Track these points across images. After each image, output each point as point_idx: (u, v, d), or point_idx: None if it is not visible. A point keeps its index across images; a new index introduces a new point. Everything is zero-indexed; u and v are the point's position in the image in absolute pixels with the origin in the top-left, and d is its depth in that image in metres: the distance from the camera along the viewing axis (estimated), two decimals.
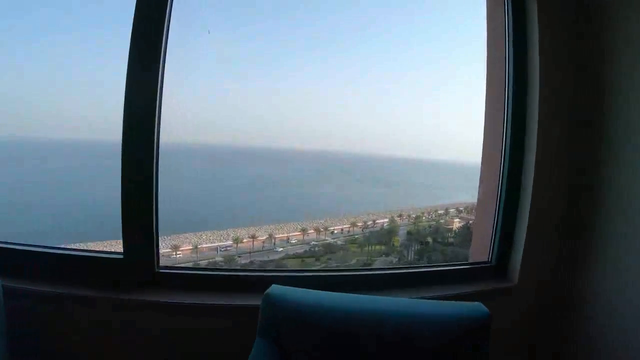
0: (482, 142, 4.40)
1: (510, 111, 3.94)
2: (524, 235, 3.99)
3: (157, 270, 3.28)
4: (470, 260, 4.72)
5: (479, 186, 4.32)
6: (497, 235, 4.19)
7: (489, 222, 4.30)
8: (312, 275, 3.86)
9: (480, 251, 4.42)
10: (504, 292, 4.02)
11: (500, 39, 4.00)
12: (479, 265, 4.31)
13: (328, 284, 3.32)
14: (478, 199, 4.82)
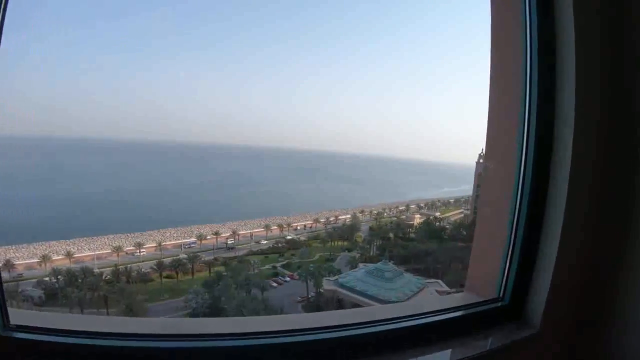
0: (483, 153, 3.93)
1: (530, 118, 3.48)
2: (551, 269, 3.49)
3: (3, 333, 2.44)
4: (466, 291, 4.41)
5: (477, 202, 4.32)
6: (514, 268, 3.71)
7: (496, 248, 3.88)
8: (233, 345, 2.85)
9: (483, 283, 4.13)
10: (525, 343, 3.52)
11: (507, 41, 3.74)
12: (488, 306, 3.83)
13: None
14: (479, 217, 4.50)
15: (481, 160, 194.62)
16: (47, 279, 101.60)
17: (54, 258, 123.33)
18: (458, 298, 4.76)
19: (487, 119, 3.90)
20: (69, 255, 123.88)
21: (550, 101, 3.43)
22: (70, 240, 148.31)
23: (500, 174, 4.02)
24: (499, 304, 3.79)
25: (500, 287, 3.82)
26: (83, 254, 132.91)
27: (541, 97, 3.41)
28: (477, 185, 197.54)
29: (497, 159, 4.12)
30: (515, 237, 3.65)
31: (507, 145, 3.82)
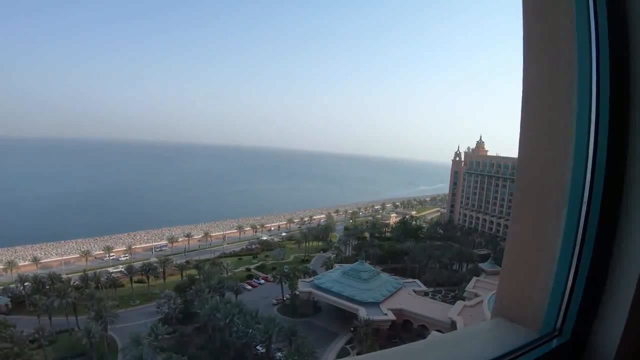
0: (519, 157, 3.54)
1: (599, 126, 2.98)
2: (630, 297, 2.86)
3: None
4: (496, 315, 3.65)
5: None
6: (577, 295, 3.09)
7: (541, 269, 3.28)
8: None
9: (521, 309, 3.43)
10: None
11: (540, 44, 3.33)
12: (543, 342, 3.15)
13: None
14: (512, 234, 3.82)
15: (457, 159, 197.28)
16: (13, 285, 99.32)
17: (20, 264, 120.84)
18: (490, 325, 3.71)
19: (520, 132, 3.47)
20: (35, 260, 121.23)
21: (621, 110, 2.98)
22: (37, 245, 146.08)
23: (543, 186, 3.35)
24: (557, 340, 3.10)
25: (557, 318, 3.14)
26: (50, 259, 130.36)
27: (614, 105, 2.97)
28: (454, 183, 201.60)
29: (537, 171, 3.46)
30: (579, 257, 3.02)
31: (551, 148, 3.29)
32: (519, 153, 3.51)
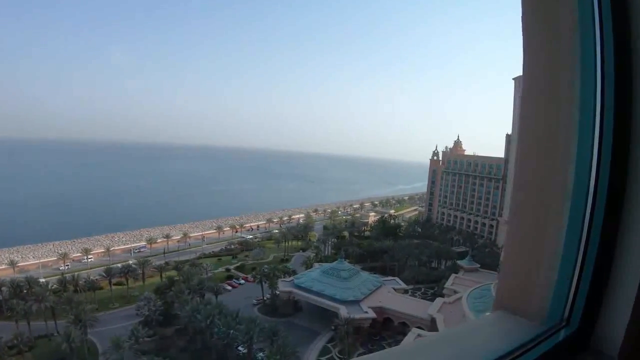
0: (519, 151, 3.52)
1: (604, 121, 3.03)
2: (636, 286, 2.91)
3: None
4: (498, 308, 3.64)
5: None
6: (584, 286, 3.14)
7: (544, 261, 3.31)
8: None
9: (524, 302, 3.45)
10: None
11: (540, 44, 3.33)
12: (552, 333, 3.19)
13: None
14: (512, 226, 3.83)
15: (435, 158, 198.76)
16: None
17: None
18: (494, 319, 3.65)
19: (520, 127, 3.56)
20: (12, 264, 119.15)
21: (626, 105, 3.00)
22: (14, 248, 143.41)
23: (545, 178, 3.37)
24: (565, 330, 3.15)
25: (563, 309, 3.19)
26: (28, 263, 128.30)
27: (618, 100, 3.00)
28: (432, 182, 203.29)
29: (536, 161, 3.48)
30: (585, 248, 3.08)
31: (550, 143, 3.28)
32: (519, 146, 3.57)
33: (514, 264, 3.72)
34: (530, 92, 3.47)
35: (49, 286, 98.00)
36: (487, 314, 3.79)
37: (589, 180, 3.04)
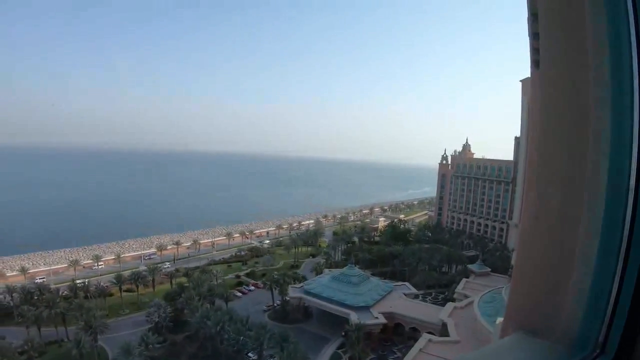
0: (538, 154, 3.19)
1: None
2: None
3: None
4: (517, 329, 3.25)
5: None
6: (623, 310, 2.66)
7: (568, 276, 2.92)
8: None
9: (543, 322, 3.05)
10: None
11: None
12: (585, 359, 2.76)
13: None
14: (525, 237, 3.51)
15: (444, 162, 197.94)
16: (1, 296, 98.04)
17: (7, 274, 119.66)
18: (512, 342, 3.22)
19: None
20: (23, 271, 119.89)
21: None
22: (25, 255, 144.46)
23: (569, 183, 3.01)
24: (601, 358, 2.67)
25: (598, 332, 2.69)
26: (38, 269, 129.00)
27: None
28: (441, 186, 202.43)
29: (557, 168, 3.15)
30: (625, 261, 2.59)
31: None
32: (537, 150, 3.26)
33: (530, 278, 3.39)
34: (549, 92, 3.26)
35: (60, 292, 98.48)
36: (506, 338, 3.28)
37: (628, 183, 2.65)
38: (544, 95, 3.27)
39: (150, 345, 70.66)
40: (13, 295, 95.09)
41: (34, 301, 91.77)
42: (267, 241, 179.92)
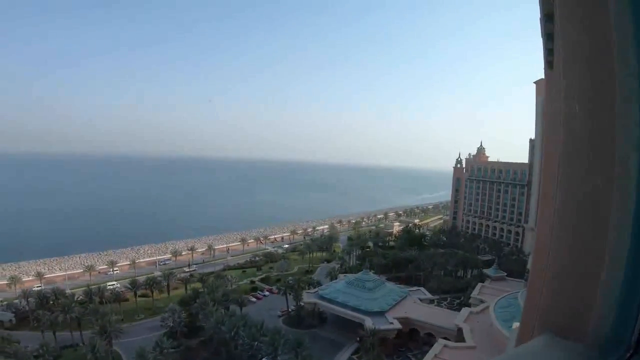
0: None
1: None
2: None
3: None
4: (545, 331, 3.12)
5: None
6: None
7: (599, 274, 2.74)
8: None
9: (574, 323, 2.91)
10: None
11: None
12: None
13: None
14: (557, 235, 3.32)
15: (459, 165, 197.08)
16: (17, 301, 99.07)
17: (24, 279, 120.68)
18: (541, 344, 3.02)
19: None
20: (39, 276, 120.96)
21: None
22: (41, 260, 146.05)
23: (600, 181, 2.82)
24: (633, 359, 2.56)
25: (631, 333, 2.54)
26: (54, 275, 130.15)
27: None
28: (456, 190, 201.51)
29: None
30: None
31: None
32: (558, 150, 3.25)
33: (561, 277, 3.19)
34: (572, 90, 3.08)
35: (75, 297, 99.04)
36: (533, 340, 3.13)
37: None
38: (566, 94, 3.09)
39: (165, 350, 70.74)
40: (29, 300, 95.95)
41: (50, 306, 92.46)
42: (287, 245, 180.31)
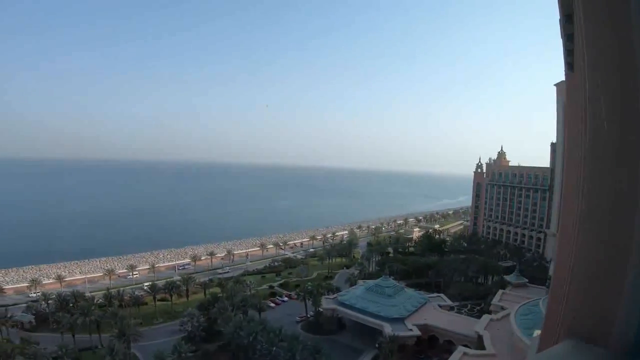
0: (589, 154, 3.08)
1: None
2: None
3: None
4: (570, 336, 3.08)
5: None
6: None
7: (626, 281, 2.70)
8: None
9: (600, 328, 2.85)
10: None
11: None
12: None
13: None
14: (583, 241, 3.31)
15: (479, 170, 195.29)
16: (36, 303, 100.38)
17: (44, 282, 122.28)
18: (566, 349, 2.94)
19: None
20: (59, 278, 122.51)
21: None
22: (61, 264, 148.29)
23: (629, 186, 2.76)
24: None
25: None
26: (74, 277, 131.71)
27: None
28: (476, 195, 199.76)
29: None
30: None
31: None
32: (589, 150, 3.09)
33: (588, 283, 3.12)
34: (597, 91, 3.00)
35: (95, 300, 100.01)
36: (558, 345, 3.08)
37: None
38: (591, 95, 3.06)
39: (183, 354, 71.00)
40: (49, 302, 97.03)
41: (69, 308, 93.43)
42: (312, 250, 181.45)
